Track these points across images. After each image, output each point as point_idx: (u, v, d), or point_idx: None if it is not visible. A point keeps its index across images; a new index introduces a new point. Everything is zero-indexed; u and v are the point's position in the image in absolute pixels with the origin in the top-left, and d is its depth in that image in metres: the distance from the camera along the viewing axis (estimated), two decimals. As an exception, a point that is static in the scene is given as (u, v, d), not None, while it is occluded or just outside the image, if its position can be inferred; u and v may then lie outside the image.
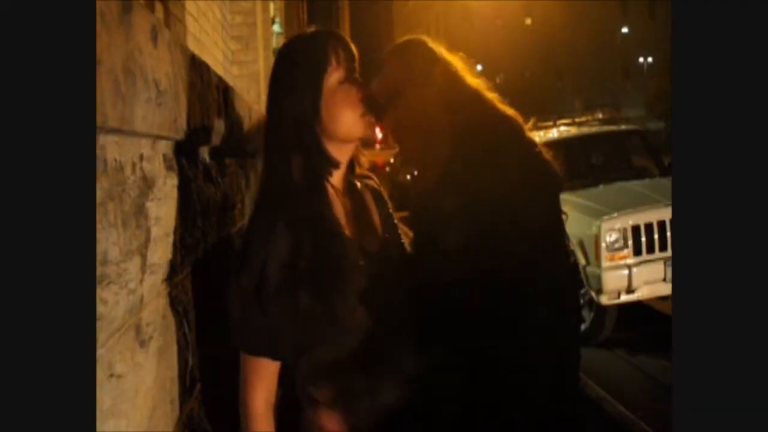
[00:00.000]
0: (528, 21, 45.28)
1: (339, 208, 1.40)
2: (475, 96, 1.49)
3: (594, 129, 7.86)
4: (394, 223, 1.51)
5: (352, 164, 1.48)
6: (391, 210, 1.53)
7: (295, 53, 1.39)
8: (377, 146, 17.84)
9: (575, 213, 6.13)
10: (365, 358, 1.34)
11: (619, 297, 5.56)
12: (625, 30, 45.91)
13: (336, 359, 1.32)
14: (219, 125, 1.78)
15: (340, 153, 1.40)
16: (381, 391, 1.34)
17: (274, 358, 1.32)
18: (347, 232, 1.38)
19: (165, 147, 1.35)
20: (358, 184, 1.50)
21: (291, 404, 1.40)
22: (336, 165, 1.39)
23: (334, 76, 1.35)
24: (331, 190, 1.40)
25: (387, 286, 1.37)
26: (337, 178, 1.41)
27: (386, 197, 1.54)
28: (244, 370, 1.33)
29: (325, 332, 1.31)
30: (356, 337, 1.33)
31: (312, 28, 1.44)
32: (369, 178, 1.55)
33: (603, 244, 5.54)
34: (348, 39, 1.41)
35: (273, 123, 1.39)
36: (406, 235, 1.55)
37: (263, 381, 1.32)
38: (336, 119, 1.36)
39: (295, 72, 1.35)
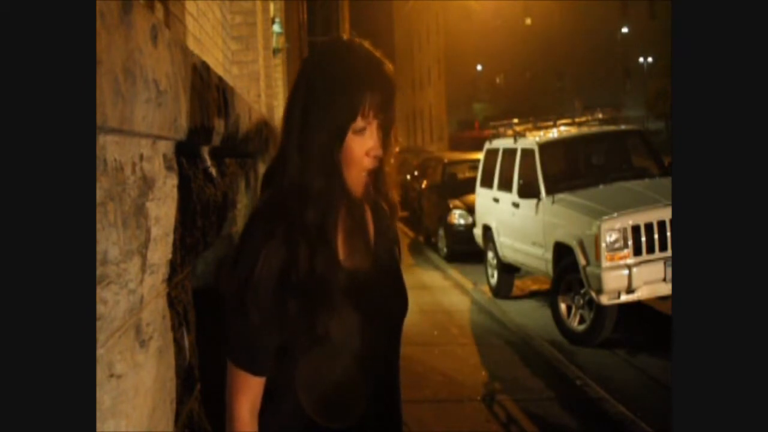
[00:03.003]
0: (528, 21, 45.26)
1: (340, 229, 1.39)
2: None
3: (594, 129, 7.87)
4: (390, 239, 1.49)
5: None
6: (389, 222, 1.49)
7: (335, 81, 1.30)
8: None
9: (575, 213, 6.15)
10: (348, 377, 1.34)
11: (619, 297, 5.57)
12: (625, 30, 45.90)
13: (318, 378, 1.33)
14: (219, 125, 1.78)
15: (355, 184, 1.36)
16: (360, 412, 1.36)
17: (252, 372, 1.32)
18: (341, 250, 1.37)
19: (165, 147, 1.35)
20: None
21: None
22: (348, 195, 1.35)
23: (358, 123, 1.29)
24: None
25: (375, 306, 1.37)
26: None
27: (386, 208, 1.48)
28: (229, 378, 1.33)
29: (306, 349, 1.31)
30: (339, 356, 1.33)
31: (351, 46, 1.34)
32: None
33: (603, 244, 5.54)
34: (390, 72, 1.33)
35: (303, 144, 1.33)
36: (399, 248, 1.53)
37: (247, 390, 1.32)
38: (346, 161, 1.32)
39: (329, 102, 1.29)
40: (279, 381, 1.34)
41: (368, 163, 1.33)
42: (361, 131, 1.31)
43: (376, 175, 1.38)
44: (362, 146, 1.31)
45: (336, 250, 1.35)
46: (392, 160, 1.42)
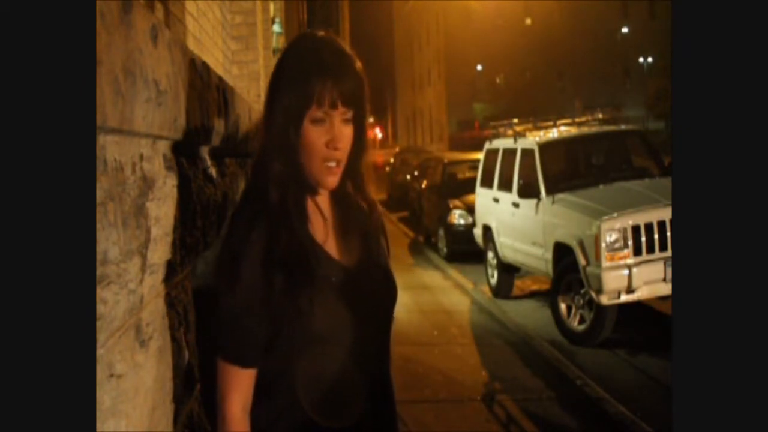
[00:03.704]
0: (528, 21, 45.26)
1: (318, 219, 1.40)
2: None
3: (594, 129, 7.87)
4: (377, 231, 1.49)
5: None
6: (371, 217, 1.49)
7: (294, 67, 1.33)
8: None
9: (575, 213, 6.15)
10: (343, 373, 1.36)
11: (619, 297, 5.57)
12: (625, 30, 45.90)
13: (314, 375, 1.34)
14: (219, 125, 1.78)
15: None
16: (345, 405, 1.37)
17: (243, 365, 1.32)
18: (323, 243, 1.38)
19: (165, 147, 1.35)
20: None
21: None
22: (305, 182, 1.36)
23: (315, 113, 1.30)
24: (311, 203, 1.39)
25: (365, 296, 1.38)
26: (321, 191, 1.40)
27: (369, 206, 1.49)
28: (219, 376, 1.34)
29: (296, 339, 1.32)
30: (331, 349, 1.34)
31: (321, 38, 1.36)
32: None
33: (603, 244, 5.54)
34: (358, 68, 1.34)
35: (267, 127, 1.37)
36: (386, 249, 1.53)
37: (238, 386, 1.32)
38: (304, 155, 1.33)
39: (287, 88, 1.32)
40: (269, 375, 1.35)
41: (328, 154, 1.32)
42: (319, 122, 1.31)
43: (352, 172, 1.39)
44: (320, 137, 1.31)
45: (306, 229, 1.36)
46: (367, 158, 1.43)
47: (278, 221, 1.31)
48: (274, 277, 1.29)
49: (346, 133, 1.34)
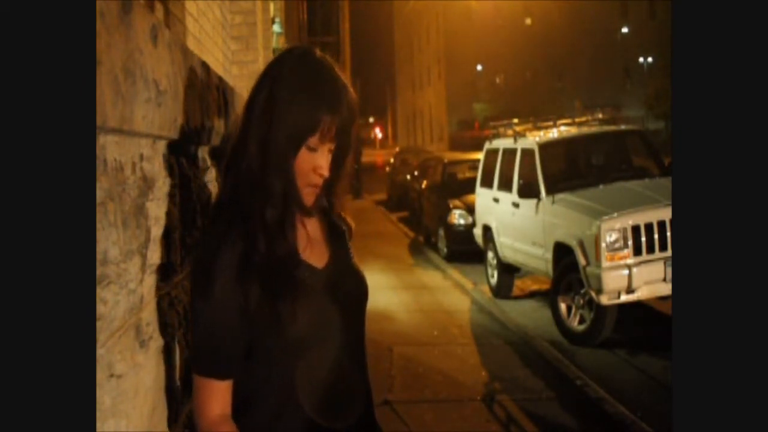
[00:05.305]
0: (528, 21, 45.24)
1: (302, 231, 1.40)
2: None
3: (594, 129, 7.86)
4: (345, 240, 1.51)
5: None
6: (347, 225, 1.53)
7: (302, 92, 1.34)
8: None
9: (575, 213, 6.15)
10: (330, 370, 1.36)
11: (619, 297, 5.56)
12: (625, 30, 45.90)
13: (283, 377, 1.33)
14: (219, 125, 1.78)
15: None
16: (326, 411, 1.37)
17: (218, 377, 1.30)
18: (302, 251, 1.39)
19: (165, 147, 1.35)
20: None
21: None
22: (299, 201, 1.39)
23: (314, 141, 1.34)
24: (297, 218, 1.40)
25: (341, 302, 1.39)
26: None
27: (341, 221, 1.53)
28: (195, 388, 1.31)
29: (276, 348, 1.31)
30: (302, 354, 1.34)
31: (324, 64, 1.38)
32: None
33: (603, 244, 5.54)
34: (353, 100, 1.38)
35: (258, 133, 1.35)
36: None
37: (215, 396, 1.30)
38: (297, 172, 1.37)
39: (293, 111, 1.33)
40: (254, 381, 1.33)
41: (313, 179, 1.37)
42: (313, 150, 1.35)
43: (328, 191, 1.44)
44: (310, 162, 1.36)
45: (294, 243, 1.37)
46: (347, 179, 1.47)
47: (258, 230, 1.31)
48: (251, 289, 1.28)
49: (329, 160, 1.38)
